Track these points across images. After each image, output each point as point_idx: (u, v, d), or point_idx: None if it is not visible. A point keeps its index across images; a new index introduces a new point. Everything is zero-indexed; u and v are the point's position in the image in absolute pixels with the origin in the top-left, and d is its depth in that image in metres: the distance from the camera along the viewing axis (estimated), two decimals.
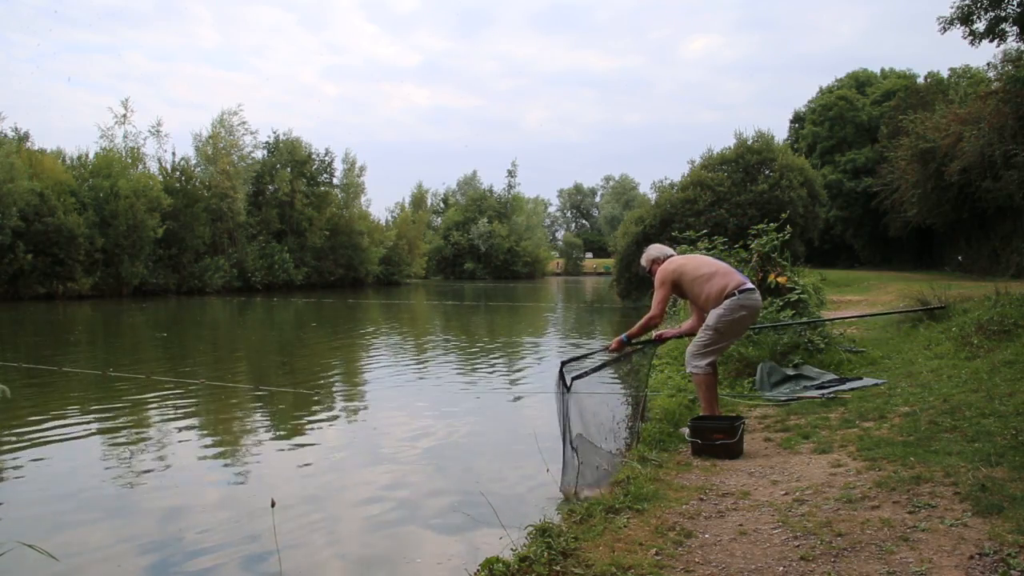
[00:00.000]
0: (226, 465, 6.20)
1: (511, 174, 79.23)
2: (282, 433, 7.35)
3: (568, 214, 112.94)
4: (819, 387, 6.39)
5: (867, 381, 6.46)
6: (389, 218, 66.40)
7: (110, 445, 6.85)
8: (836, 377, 6.68)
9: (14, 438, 6.97)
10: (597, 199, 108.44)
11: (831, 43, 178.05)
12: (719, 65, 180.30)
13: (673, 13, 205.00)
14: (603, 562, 2.88)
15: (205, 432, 7.45)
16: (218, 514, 4.91)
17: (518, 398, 9.29)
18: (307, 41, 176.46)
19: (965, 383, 5.65)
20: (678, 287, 5.29)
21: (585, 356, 5.34)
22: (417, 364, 12.57)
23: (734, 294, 5.07)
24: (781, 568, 2.80)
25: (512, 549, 3.23)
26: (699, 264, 5.32)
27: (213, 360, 13.41)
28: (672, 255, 5.50)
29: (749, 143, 27.47)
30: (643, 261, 5.61)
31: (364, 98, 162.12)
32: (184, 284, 38.15)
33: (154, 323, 21.96)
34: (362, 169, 54.60)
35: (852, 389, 6.21)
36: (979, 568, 2.66)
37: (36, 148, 36.82)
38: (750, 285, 5.16)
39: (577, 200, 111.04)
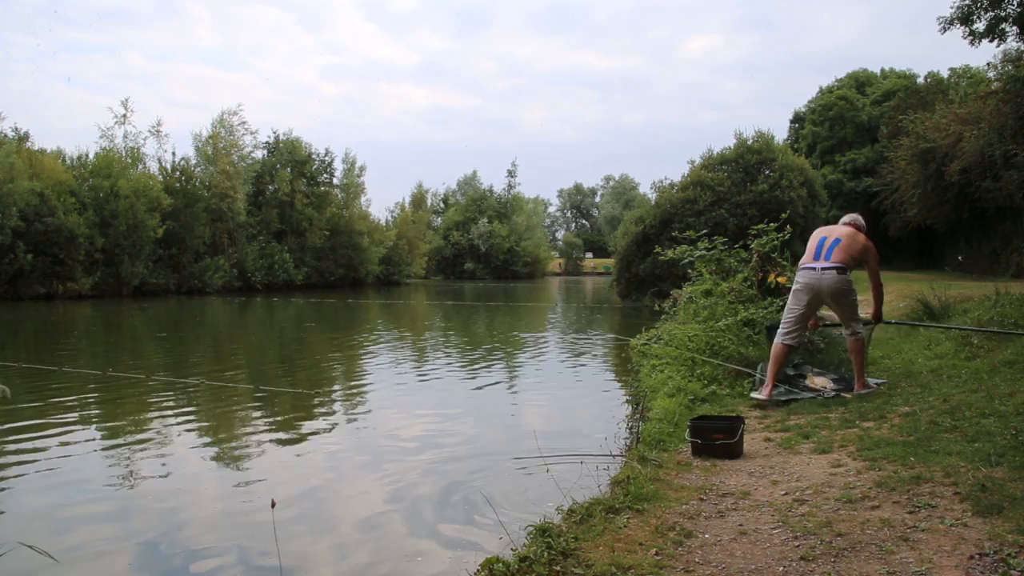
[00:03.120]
0: (226, 465, 6.20)
1: (511, 174, 79.29)
2: (282, 433, 7.35)
3: (568, 214, 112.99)
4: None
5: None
6: (389, 218, 66.49)
7: (110, 445, 6.86)
8: (836, 377, 6.67)
9: (14, 438, 6.97)
10: (597, 199, 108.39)
11: (830, 43, 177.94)
12: (718, 65, 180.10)
13: (672, 13, 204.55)
14: (603, 562, 2.88)
15: (205, 432, 7.45)
16: (218, 514, 4.91)
17: (518, 398, 9.29)
18: (306, 41, 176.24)
19: (965, 383, 5.64)
20: None
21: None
22: (417, 364, 12.57)
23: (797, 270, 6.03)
24: (781, 568, 2.80)
25: (512, 549, 3.23)
26: (812, 238, 6.06)
27: (213, 360, 13.41)
28: (844, 227, 6.03)
29: (749, 143, 27.41)
30: None
31: (363, 98, 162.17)
32: (184, 284, 38.15)
33: (154, 323, 21.96)
34: (362, 169, 54.72)
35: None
36: (979, 568, 2.66)
37: (36, 148, 36.87)
38: (810, 264, 5.82)
39: (577, 200, 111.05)
